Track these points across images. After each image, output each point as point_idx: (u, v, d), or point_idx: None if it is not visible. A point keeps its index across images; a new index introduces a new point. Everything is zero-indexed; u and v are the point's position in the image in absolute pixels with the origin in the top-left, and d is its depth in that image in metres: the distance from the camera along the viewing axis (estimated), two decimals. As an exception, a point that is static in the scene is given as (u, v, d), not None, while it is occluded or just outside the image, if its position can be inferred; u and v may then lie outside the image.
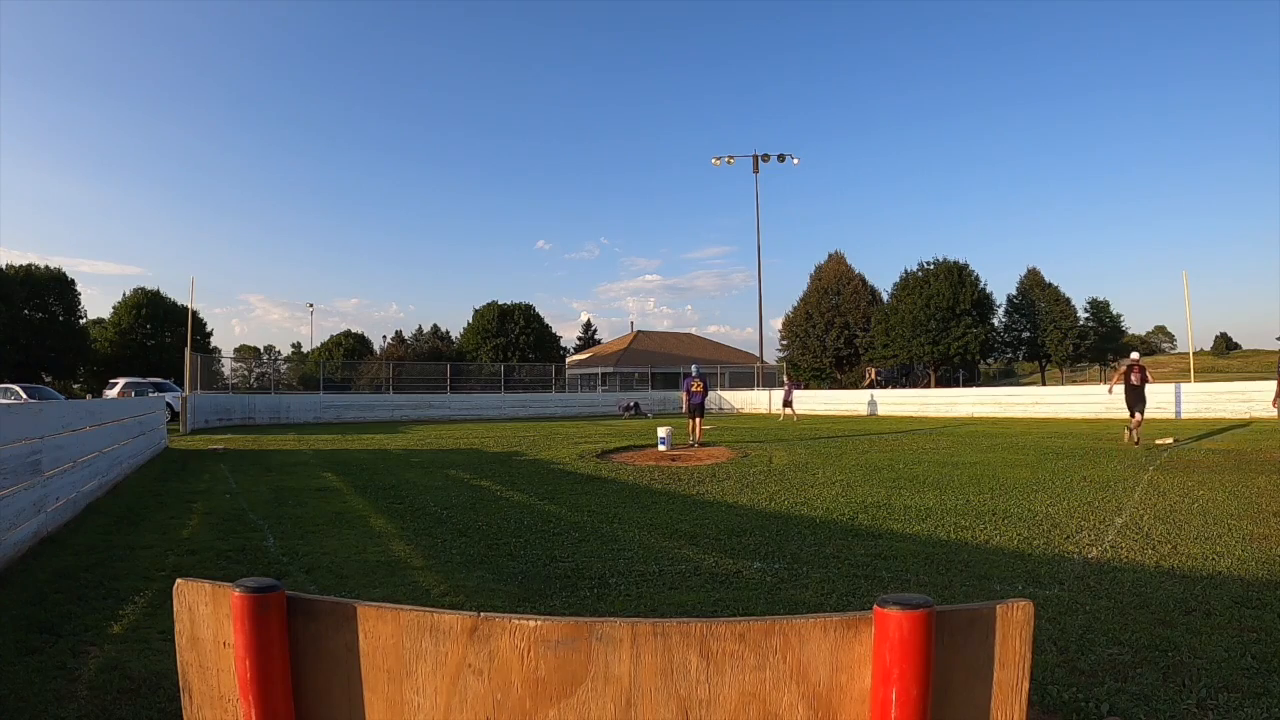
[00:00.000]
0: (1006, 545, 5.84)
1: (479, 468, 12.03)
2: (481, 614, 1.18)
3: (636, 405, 34.39)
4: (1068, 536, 6.07)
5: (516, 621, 1.16)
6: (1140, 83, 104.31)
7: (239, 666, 1.21)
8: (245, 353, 71.41)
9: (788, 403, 28.72)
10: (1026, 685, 1.09)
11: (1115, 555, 5.42)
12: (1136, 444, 13.82)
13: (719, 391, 40.59)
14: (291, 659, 1.23)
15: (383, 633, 1.21)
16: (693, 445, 15.64)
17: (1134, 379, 14.56)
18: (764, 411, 35.43)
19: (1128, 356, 15.42)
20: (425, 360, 51.20)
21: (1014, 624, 1.08)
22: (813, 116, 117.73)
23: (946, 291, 52.94)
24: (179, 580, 1.32)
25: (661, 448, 14.38)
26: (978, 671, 1.09)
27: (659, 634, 1.12)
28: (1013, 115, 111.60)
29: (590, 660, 1.14)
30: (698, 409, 16.77)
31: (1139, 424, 14.31)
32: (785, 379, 34.65)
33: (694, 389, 16.85)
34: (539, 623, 1.16)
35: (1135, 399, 14.44)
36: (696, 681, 1.12)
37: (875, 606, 1.07)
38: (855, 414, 30.77)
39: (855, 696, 1.09)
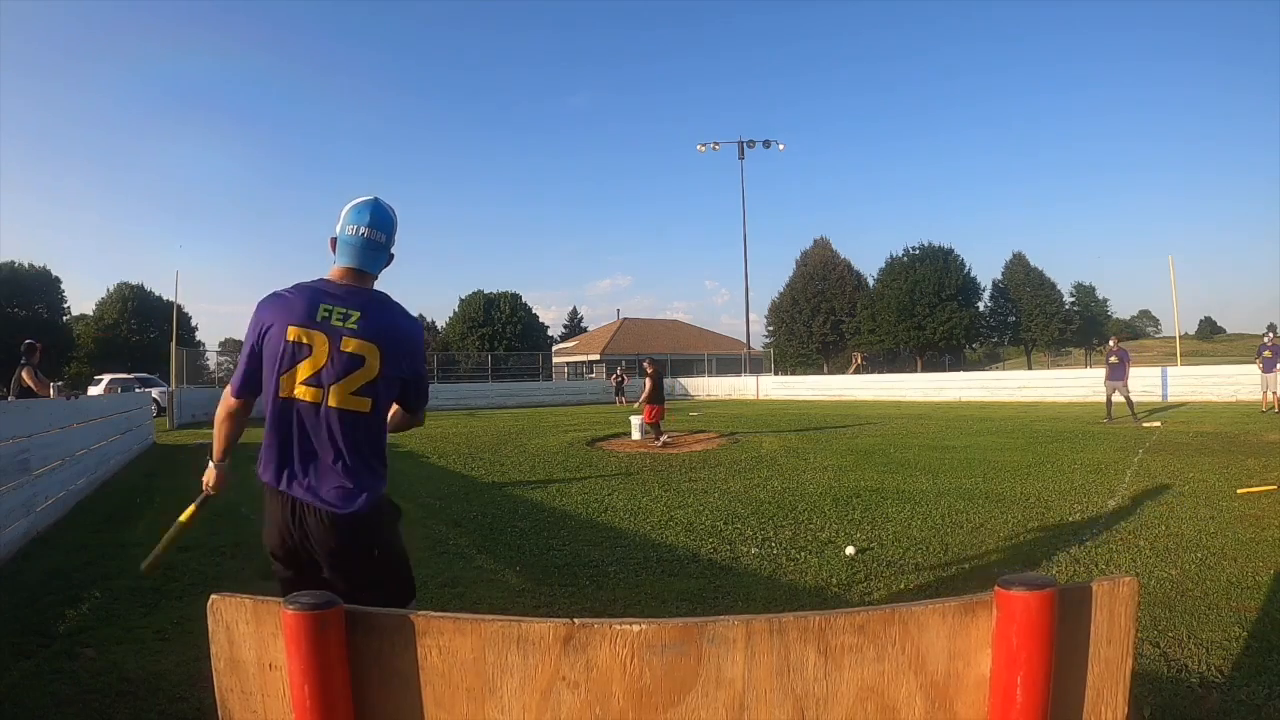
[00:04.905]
0: (1001, 528, 5.87)
1: (469, 457, 11.98)
2: (577, 621, 1.09)
3: (620, 382, 33.35)
4: (1061, 519, 6.11)
5: (618, 627, 1.08)
6: (1125, 69, 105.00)
7: (294, 693, 1.10)
8: (231, 346, 70.71)
9: (620, 390, 27.77)
10: (1130, 663, 1.07)
11: (1109, 538, 5.45)
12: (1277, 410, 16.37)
13: (706, 378, 40.79)
14: (353, 680, 1.13)
15: (461, 647, 1.11)
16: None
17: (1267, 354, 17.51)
18: (751, 398, 35.54)
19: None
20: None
21: (1120, 600, 1.06)
22: (798, 105, 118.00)
23: (932, 276, 53.14)
24: (214, 596, 1.19)
25: (636, 436, 14.26)
26: (1087, 650, 1.07)
27: (775, 631, 1.06)
28: (998, 101, 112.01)
29: (701, 664, 1.07)
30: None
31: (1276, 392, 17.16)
32: (619, 369, 33.61)
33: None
34: (644, 627, 1.07)
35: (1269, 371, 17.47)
36: (814, 679, 1.06)
37: (996, 588, 1.03)
38: (842, 399, 30.89)
39: (971, 684, 1.06)
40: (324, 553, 2.14)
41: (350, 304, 2.15)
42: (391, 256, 2.33)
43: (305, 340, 2.10)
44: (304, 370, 2.10)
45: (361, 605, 2.22)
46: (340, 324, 2.11)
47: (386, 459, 2.28)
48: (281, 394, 2.12)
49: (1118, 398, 15.51)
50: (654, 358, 15.24)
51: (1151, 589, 4.20)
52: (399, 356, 2.17)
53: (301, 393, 2.11)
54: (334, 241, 2.25)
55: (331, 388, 2.10)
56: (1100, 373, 18.32)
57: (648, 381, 13.55)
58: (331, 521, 2.11)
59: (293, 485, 2.13)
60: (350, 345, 2.10)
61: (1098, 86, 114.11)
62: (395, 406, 2.35)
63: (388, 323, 2.18)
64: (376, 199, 2.29)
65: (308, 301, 2.14)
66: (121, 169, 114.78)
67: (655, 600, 4.32)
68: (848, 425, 16.85)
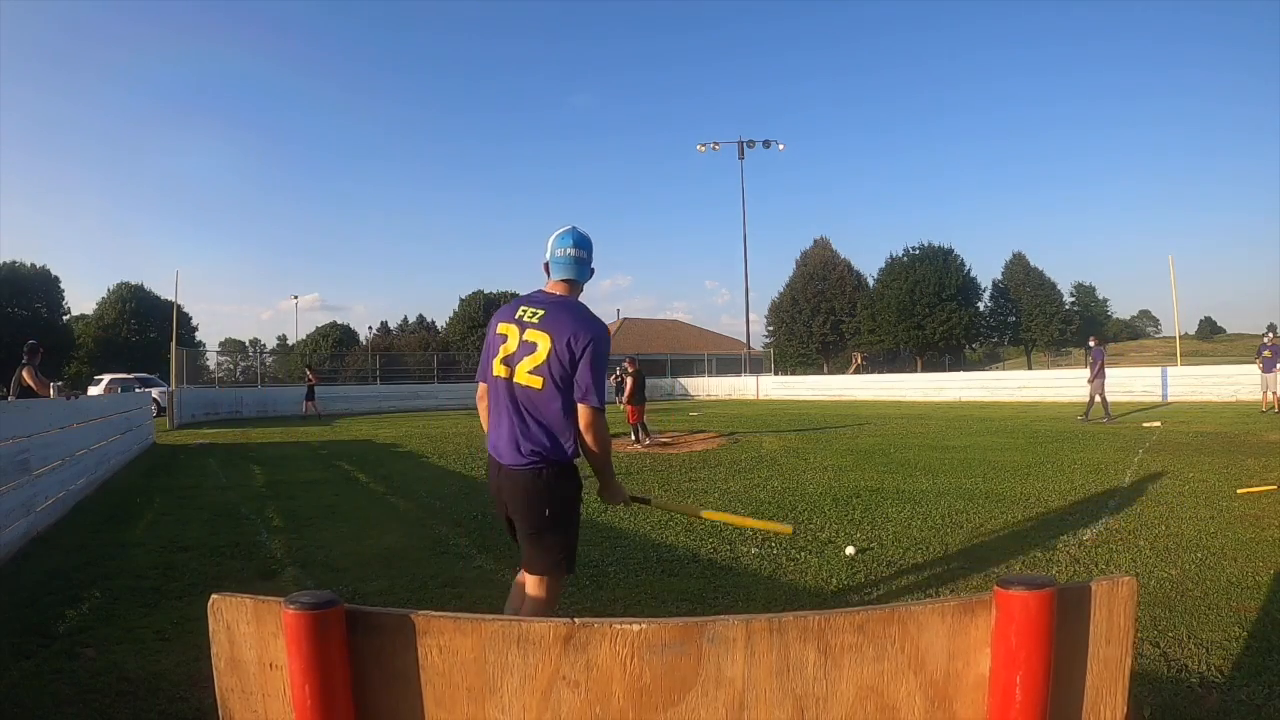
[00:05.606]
0: (1001, 528, 5.87)
1: (469, 457, 11.96)
2: (577, 621, 1.09)
3: (620, 382, 32.00)
4: (1061, 519, 6.11)
5: (618, 627, 1.08)
6: (1125, 72, 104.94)
7: (295, 692, 1.09)
8: (230, 346, 70.82)
9: (620, 390, 27.51)
10: (1130, 661, 1.07)
11: (1109, 537, 5.45)
12: (1277, 410, 15.90)
13: (706, 378, 40.83)
14: (353, 679, 1.12)
15: (462, 646, 1.10)
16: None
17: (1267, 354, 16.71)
18: (751, 398, 35.54)
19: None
20: (412, 350, 50.98)
21: (1119, 600, 1.06)
22: (799, 106, 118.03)
23: (932, 276, 53.06)
24: (214, 595, 1.18)
25: (634, 437, 14.21)
26: (1086, 650, 1.07)
27: (775, 631, 1.06)
28: (999, 102, 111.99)
29: (701, 663, 1.06)
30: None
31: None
32: (618, 369, 33.27)
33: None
34: (644, 627, 1.07)
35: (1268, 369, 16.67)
36: (814, 678, 1.06)
37: (996, 588, 1.04)
38: (842, 399, 30.89)
39: (970, 683, 1.06)
40: (510, 502, 2.73)
41: (541, 305, 2.75)
42: (593, 270, 2.94)
43: (506, 332, 2.75)
44: (502, 354, 2.73)
45: (529, 554, 2.73)
46: (530, 320, 2.72)
47: (568, 432, 2.72)
48: (492, 374, 2.78)
49: (1110, 396, 15.62)
50: (634, 357, 15.01)
51: (1151, 589, 4.20)
52: (562, 347, 2.64)
53: (500, 371, 2.74)
54: (546, 265, 2.86)
55: (516, 367, 2.69)
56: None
57: (629, 381, 13.50)
58: (511, 476, 2.71)
59: (495, 446, 2.77)
60: (531, 335, 2.69)
61: (1098, 89, 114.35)
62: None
63: (561, 319, 2.69)
64: (573, 227, 2.88)
65: (515, 305, 2.82)
66: (122, 169, 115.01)
67: (655, 600, 4.32)
68: (848, 425, 16.84)
